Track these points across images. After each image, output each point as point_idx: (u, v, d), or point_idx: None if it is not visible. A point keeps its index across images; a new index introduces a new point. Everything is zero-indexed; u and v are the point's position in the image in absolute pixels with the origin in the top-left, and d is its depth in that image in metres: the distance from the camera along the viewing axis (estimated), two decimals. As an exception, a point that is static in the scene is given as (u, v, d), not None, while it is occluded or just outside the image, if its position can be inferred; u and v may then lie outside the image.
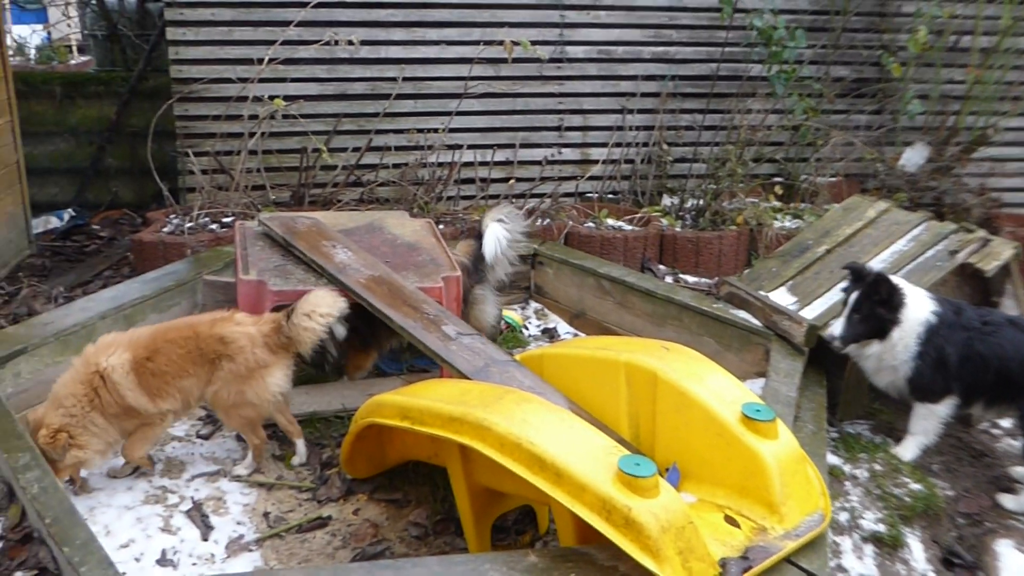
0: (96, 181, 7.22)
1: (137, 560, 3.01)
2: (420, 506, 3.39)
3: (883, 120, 6.89)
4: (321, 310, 3.40)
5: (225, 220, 5.52)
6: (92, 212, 7.04)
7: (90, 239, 6.57)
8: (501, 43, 5.80)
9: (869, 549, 3.19)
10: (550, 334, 4.99)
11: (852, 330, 3.61)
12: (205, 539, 3.16)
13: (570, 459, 2.38)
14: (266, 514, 3.34)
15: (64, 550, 2.37)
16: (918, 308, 3.59)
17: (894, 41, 6.84)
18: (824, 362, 4.00)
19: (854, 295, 3.62)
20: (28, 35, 10.70)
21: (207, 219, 5.51)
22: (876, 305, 3.57)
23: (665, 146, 6.63)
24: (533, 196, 6.29)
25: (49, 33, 11.09)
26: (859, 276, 3.67)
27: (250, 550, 3.14)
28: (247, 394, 3.38)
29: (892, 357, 3.62)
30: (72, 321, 3.88)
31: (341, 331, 3.75)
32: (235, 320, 3.46)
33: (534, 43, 5.92)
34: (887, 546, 3.21)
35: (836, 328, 3.64)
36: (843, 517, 3.28)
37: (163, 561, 3.02)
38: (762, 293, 4.34)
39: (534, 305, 5.30)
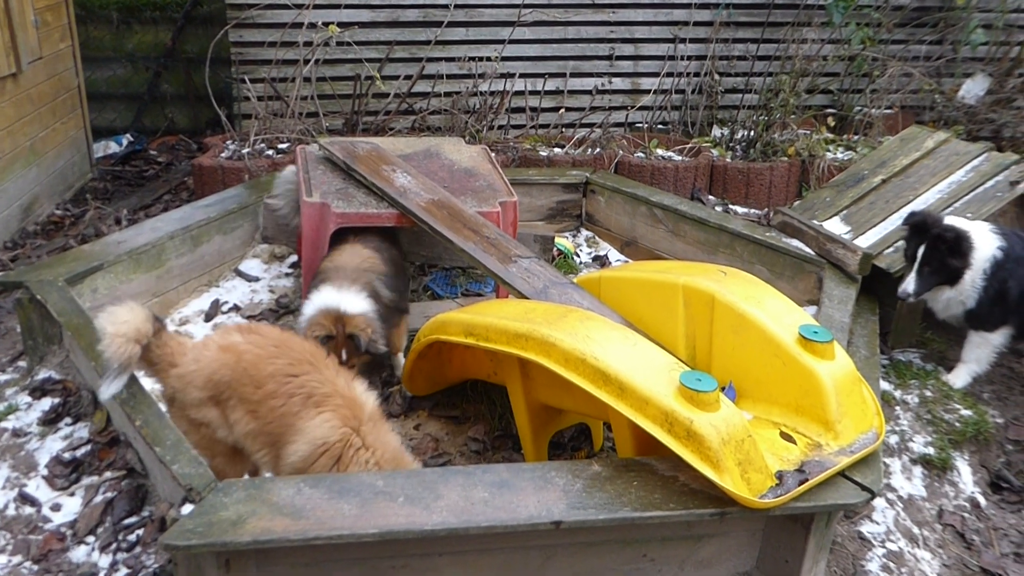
0: (152, 107, 7.34)
1: (215, 464, 3.17)
2: (478, 423, 3.52)
3: (943, 50, 6.72)
4: None
5: (281, 146, 5.60)
6: (149, 138, 7.17)
7: (148, 164, 6.70)
8: (555, -32, 5.74)
9: (918, 471, 3.27)
10: (601, 261, 5.05)
11: (925, 283, 3.59)
12: (277, 447, 3.31)
13: (633, 374, 2.46)
14: (332, 426, 3.48)
15: (156, 449, 2.51)
16: (984, 246, 3.58)
17: (959, -32, 6.63)
18: (877, 291, 4.02)
19: (921, 249, 3.57)
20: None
21: (263, 145, 5.60)
22: (946, 256, 3.54)
23: (716, 76, 6.55)
24: (583, 126, 6.28)
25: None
26: (922, 229, 3.62)
27: (319, 459, 3.29)
28: None
29: (963, 296, 3.63)
30: (143, 240, 4.02)
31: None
32: None
33: (588, -32, 5.83)
34: (936, 468, 3.28)
35: (909, 285, 3.60)
36: (893, 440, 3.35)
37: (239, 466, 3.18)
38: (815, 222, 4.34)
39: (585, 233, 5.34)
